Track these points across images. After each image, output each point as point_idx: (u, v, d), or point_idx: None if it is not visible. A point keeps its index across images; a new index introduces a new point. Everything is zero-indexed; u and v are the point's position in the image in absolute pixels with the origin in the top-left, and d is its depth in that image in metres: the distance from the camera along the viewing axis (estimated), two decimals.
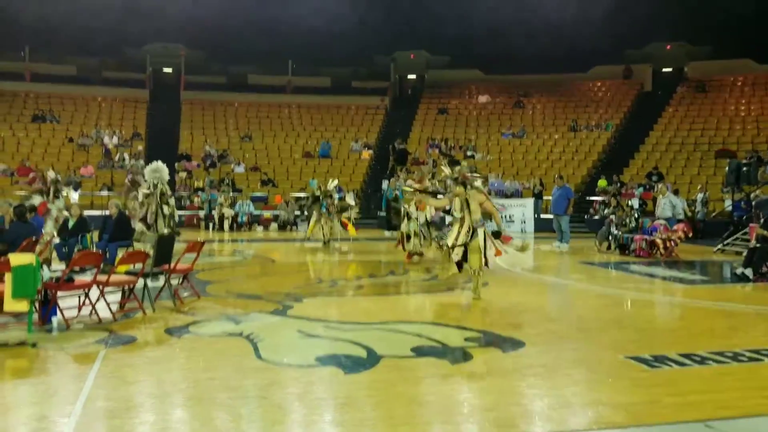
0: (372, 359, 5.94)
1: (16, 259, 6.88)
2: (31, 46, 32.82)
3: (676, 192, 20.34)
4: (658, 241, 14.77)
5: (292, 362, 5.91)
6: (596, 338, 6.96)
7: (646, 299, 9.94)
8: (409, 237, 13.74)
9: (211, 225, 22.98)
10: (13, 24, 29.96)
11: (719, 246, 16.47)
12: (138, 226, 12.30)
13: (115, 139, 28.77)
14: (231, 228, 22.60)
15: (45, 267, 7.65)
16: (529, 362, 5.98)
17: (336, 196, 17.29)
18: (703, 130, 28.54)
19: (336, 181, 18.03)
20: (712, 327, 7.68)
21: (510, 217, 22.66)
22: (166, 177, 13.08)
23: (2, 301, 6.77)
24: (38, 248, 9.27)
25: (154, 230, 12.49)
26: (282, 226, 23.31)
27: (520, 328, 7.30)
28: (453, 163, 9.84)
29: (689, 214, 20.70)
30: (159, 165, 12.99)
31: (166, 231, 12.41)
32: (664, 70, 34.05)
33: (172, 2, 29.58)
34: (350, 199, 17.36)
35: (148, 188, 12.55)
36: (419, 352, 6.24)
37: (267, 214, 23.97)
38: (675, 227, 15.33)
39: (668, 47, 33.78)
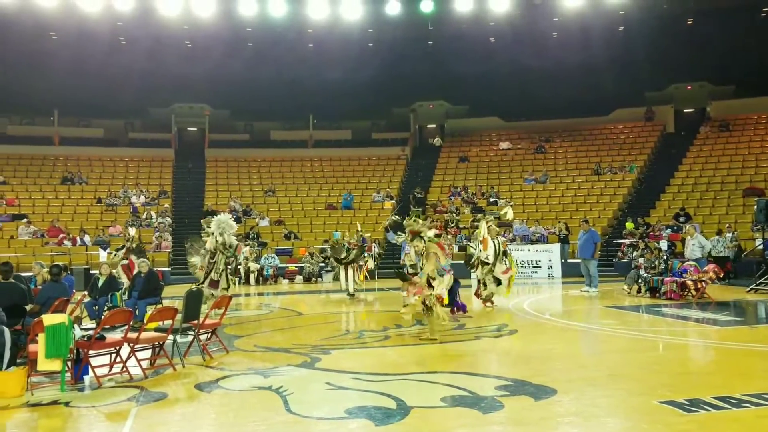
0: (402, 410, 5.89)
1: (49, 319, 7.00)
2: (59, 111, 33.77)
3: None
4: (689, 282, 14.57)
5: (322, 415, 5.88)
6: (629, 384, 6.84)
7: (679, 342, 9.78)
8: (485, 284, 13.75)
9: (237, 279, 23.10)
10: (42, 89, 30.91)
11: (752, 286, 16.18)
12: (205, 290, 12.37)
13: (142, 198, 29.27)
14: (257, 282, 22.69)
15: (76, 326, 7.76)
16: (561, 410, 5.89)
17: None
18: (729, 169, 28.30)
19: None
20: (748, 369, 7.52)
21: (536, 262, 22.53)
22: (233, 227, 13.37)
23: (36, 360, 6.87)
24: (70, 308, 9.40)
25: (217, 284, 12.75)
26: (307, 279, 23.36)
27: (551, 375, 7.20)
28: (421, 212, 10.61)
29: (728, 248, 20.41)
30: (225, 216, 13.35)
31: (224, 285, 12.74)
32: (686, 110, 34.05)
33: (195, 64, 30.38)
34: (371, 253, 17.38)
35: (218, 240, 12.82)
36: (449, 401, 6.18)
37: (292, 266, 24.07)
38: (705, 268, 15.12)
39: (689, 88, 33.84)
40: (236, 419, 5.85)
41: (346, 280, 16.87)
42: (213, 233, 13.00)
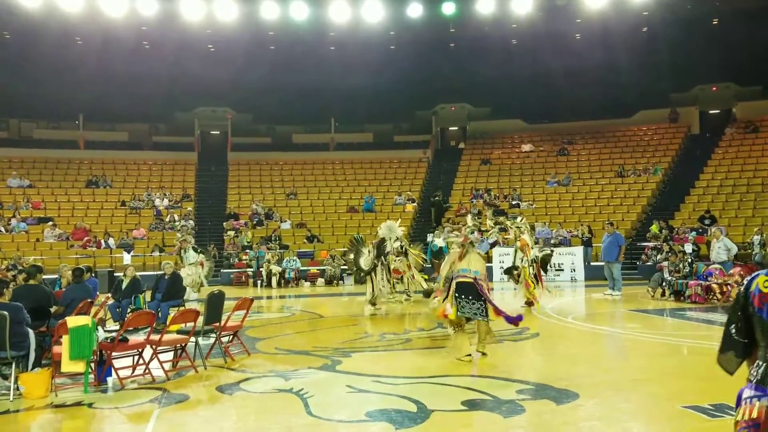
0: (423, 414, 5.87)
1: (73, 321, 7.08)
2: (84, 115, 34.18)
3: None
4: (714, 285, 14.38)
5: (343, 418, 5.88)
6: (653, 388, 6.76)
7: (704, 346, 9.62)
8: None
9: (259, 282, 23.21)
10: (67, 94, 31.32)
11: None
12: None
13: (165, 201, 29.52)
14: (278, 284, 22.78)
15: (100, 328, 7.84)
16: (583, 415, 5.84)
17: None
18: (755, 170, 27.88)
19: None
20: None
21: (559, 265, 22.35)
22: (398, 234, 13.95)
23: (60, 362, 6.94)
24: (93, 310, 9.50)
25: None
26: (329, 281, 23.40)
27: (574, 379, 7.14)
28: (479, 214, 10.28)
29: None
30: (393, 223, 13.89)
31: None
32: (711, 111, 33.62)
33: (218, 67, 30.60)
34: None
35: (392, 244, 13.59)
36: (470, 405, 6.15)
37: (313, 269, 24.14)
38: (731, 271, 14.91)
39: (714, 89, 33.40)
40: (257, 421, 5.87)
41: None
42: (389, 238, 14.02)
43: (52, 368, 7.09)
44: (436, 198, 29.02)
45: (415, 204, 30.26)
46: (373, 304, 14.08)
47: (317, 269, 24.07)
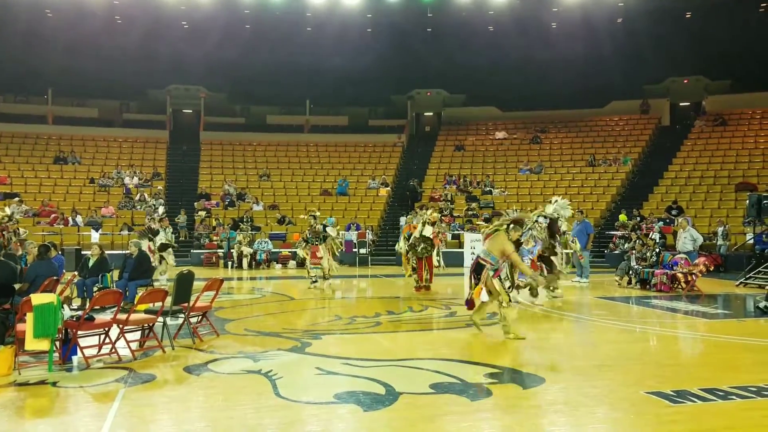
0: (391, 396, 5.91)
1: (38, 298, 6.97)
2: (54, 90, 33.53)
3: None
4: (679, 275, 14.61)
5: (311, 400, 5.89)
6: (617, 374, 6.87)
7: (668, 334, 9.82)
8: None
9: (230, 263, 23.07)
10: (36, 68, 30.67)
11: (741, 279, 16.25)
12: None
13: (135, 180, 29.15)
14: (250, 266, 22.67)
15: (66, 306, 7.73)
16: (549, 399, 5.92)
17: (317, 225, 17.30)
18: (723, 163, 28.38)
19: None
20: (736, 361, 7.56)
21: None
22: (567, 214, 13.30)
23: (24, 340, 6.84)
24: (59, 288, 9.36)
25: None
26: (300, 264, 23.32)
27: (541, 364, 7.23)
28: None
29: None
30: (564, 201, 13.28)
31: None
32: (682, 104, 34.07)
33: (192, 45, 30.16)
34: (331, 231, 17.43)
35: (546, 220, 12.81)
36: (438, 388, 6.20)
37: (285, 251, 24.05)
38: (696, 261, 15.17)
39: (686, 81, 33.82)
40: (225, 402, 5.85)
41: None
42: (547, 216, 13.31)
43: (15, 346, 6.99)
44: (411, 184, 29.14)
45: (388, 188, 30.27)
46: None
47: (289, 251, 23.97)
